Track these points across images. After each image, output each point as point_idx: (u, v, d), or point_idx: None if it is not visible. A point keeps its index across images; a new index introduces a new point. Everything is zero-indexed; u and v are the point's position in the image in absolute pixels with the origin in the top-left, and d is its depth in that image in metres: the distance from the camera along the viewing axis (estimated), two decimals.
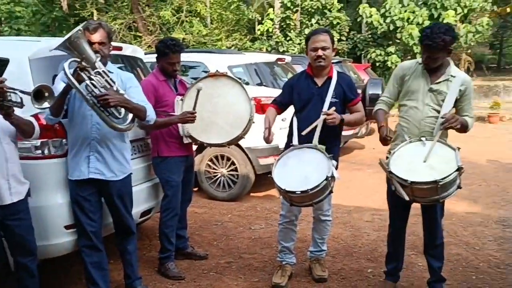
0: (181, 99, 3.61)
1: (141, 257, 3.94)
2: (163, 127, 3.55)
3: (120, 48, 3.89)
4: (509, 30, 30.77)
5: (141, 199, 3.61)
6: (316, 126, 3.21)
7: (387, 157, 3.10)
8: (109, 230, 3.31)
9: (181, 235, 3.98)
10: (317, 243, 3.70)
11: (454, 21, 14.69)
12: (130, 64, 4.12)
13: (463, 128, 3.04)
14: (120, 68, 3.80)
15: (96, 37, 2.92)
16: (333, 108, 3.24)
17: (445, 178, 2.71)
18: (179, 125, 3.59)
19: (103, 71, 2.80)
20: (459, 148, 2.88)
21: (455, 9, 14.91)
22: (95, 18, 16.34)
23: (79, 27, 2.79)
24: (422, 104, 3.07)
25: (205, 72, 5.18)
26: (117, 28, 15.94)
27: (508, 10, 20.89)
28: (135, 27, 16.88)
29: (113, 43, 3.24)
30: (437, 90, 3.04)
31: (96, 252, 3.09)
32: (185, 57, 6.25)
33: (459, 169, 2.75)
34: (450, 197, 2.87)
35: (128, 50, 4.07)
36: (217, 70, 3.75)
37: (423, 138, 2.98)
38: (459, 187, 2.84)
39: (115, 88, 2.81)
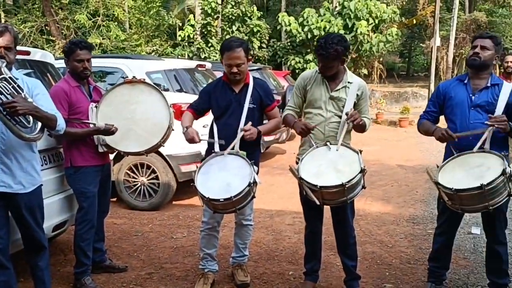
0: (96, 106, 3.47)
1: (55, 273, 3.73)
2: (80, 138, 3.40)
3: (27, 53, 3.67)
4: (416, 40, 33.04)
5: (54, 211, 3.43)
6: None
7: (297, 162, 3.23)
8: (17, 246, 3.09)
9: (98, 248, 3.81)
10: (239, 248, 3.71)
11: (366, 31, 15.56)
12: (40, 70, 3.90)
13: (362, 128, 3.23)
14: (28, 74, 3.59)
15: (2, 41, 2.73)
16: (250, 123, 3.29)
17: (351, 180, 2.88)
18: None
19: (9, 77, 2.62)
20: (361, 151, 3.07)
21: (367, 20, 15.78)
22: (2, 20, 15.31)
23: None
24: (326, 111, 3.23)
25: (123, 78, 5.03)
26: (27, 32, 15.04)
27: (415, 21, 22.48)
28: (47, 30, 16.02)
29: (21, 48, 3.05)
30: (337, 97, 3.21)
31: (3, 270, 2.86)
32: (102, 62, 6.12)
33: (362, 171, 2.94)
34: (356, 197, 3.06)
35: (37, 55, 3.85)
36: (133, 76, 3.65)
37: (328, 143, 3.14)
38: (363, 187, 3.02)
39: (23, 95, 2.65)
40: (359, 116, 3.13)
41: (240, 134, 3.24)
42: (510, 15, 25.49)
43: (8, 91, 2.59)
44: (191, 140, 3.29)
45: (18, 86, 2.65)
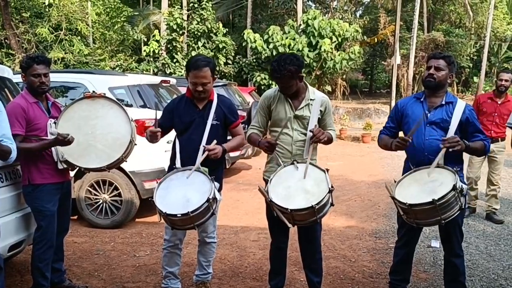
0: (54, 122, 3.39)
1: None
2: (35, 152, 3.30)
3: None
4: (378, 57, 34.00)
5: (10, 231, 3.32)
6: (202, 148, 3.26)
7: (264, 179, 3.24)
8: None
9: (57, 268, 3.69)
10: (202, 266, 3.67)
11: (330, 49, 15.90)
12: None
13: (329, 141, 3.29)
14: None
15: None
16: (214, 141, 3.29)
17: (320, 202, 2.93)
18: (53, 149, 3.36)
19: None
20: (327, 170, 3.12)
21: (330, 38, 16.14)
22: None
23: None
24: (291, 129, 3.27)
25: (85, 94, 4.93)
26: None
27: (376, 40, 23.18)
28: (7, 44, 15.60)
29: None
30: (302, 116, 3.27)
31: None
32: (64, 77, 6.01)
33: (330, 191, 2.99)
34: (326, 216, 3.09)
35: None
36: (93, 91, 3.59)
37: (295, 162, 3.18)
38: (332, 204, 3.07)
39: None
40: (322, 133, 3.18)
41: (204, 154, 3.22)
42: (466, 35, 26.65)
43: None
44: (152, 136, 3.25)
45: None
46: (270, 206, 3.08)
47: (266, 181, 3.22)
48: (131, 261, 4.47)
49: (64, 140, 3.19)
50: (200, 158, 3.21)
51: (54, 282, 3.64)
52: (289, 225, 3.01)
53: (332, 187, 3.00)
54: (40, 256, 3.40)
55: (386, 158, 10.36)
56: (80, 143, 3.37)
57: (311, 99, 3.28)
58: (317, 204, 2.90)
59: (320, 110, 3.29)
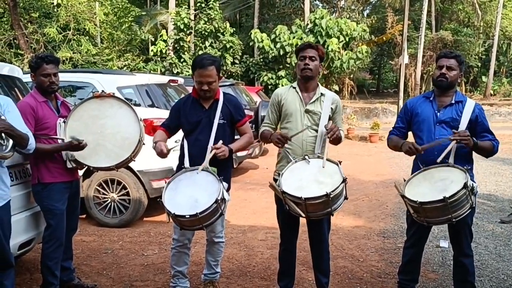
0: (64, 121, 3.41)
1: None
2: (48, 154, 3.33)
3: None
4: (385, 57, 33.89)
5: (20, 229, 3.33)
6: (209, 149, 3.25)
7: (274, 179, 3.23)
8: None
9: (66, 266, 3.71)
10: (210, 266, 3.68)
11: (337, 48, 15.88)
12: (7, 84, 3.82)
13: (339, 141, 3.29)
14: None
15: None
16: (220, 141, 3.28)
17: (335, 190, 2.90)
18: None
19: None
20: (340, 162, 3.11)
21: (338, 37, 16.13)
22: None
23: None
24: (302, 125, 3.26)
25: (94, 93, 4.96)
26: None
27: (384, 39, 23.09)
28: (16, 44, 15.73)
29: None
30: (313, 111, 3.27)
31: None
32: (72, 77, 6.05)
33: (344, 181, 2.96)
34: (339, 209, 3.06)
35: (5, 69, 3.78)
36: (102, 91, 3.61)
37: (306, 157, 3.16)
38: (345, 198, 3.05)
39: None
40: (337, 129, 3.18)
41: (211, 153, 3.21)
42: (474, 34, 26.48)
43: None
44: (160, 154, 3.26)
45: None
46: (282, 199, 3.02)
47: (276, 181, 3.20)
48: (140, 260, 4.48)
49: (78, 145, 3.27)
50: (208, 156, 3.20)
51: (63, 281, 3.66)
52: (303, 215, 2.96)
53: (346, 177, 2.98)
54: (50, 254, 3.42)
55: (394, 158, 10.32)
56: (89, 143, 3.38)
57: (321, 94, 3.30)
58: (332, 191, 2.86)
59: (331, 108, 3.29)
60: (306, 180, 3.05)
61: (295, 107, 3.28)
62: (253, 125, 8.19)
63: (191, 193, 3.07)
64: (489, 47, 25.53)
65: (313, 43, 3.43)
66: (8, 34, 15.39)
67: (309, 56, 3.23)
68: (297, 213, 2.97)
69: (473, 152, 3.24)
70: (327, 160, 3.14)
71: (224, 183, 3.10)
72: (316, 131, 3.25)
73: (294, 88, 3.34)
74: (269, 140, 3.30)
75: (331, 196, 2.87)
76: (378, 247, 4.86)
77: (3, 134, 2.69)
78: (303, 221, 3.25)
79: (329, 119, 3.28)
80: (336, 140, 3.24)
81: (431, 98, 3.32)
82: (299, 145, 3.26)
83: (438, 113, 3.23)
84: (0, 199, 2.85)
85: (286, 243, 3.47)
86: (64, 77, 5.46)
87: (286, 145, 3.23)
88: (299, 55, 3.29)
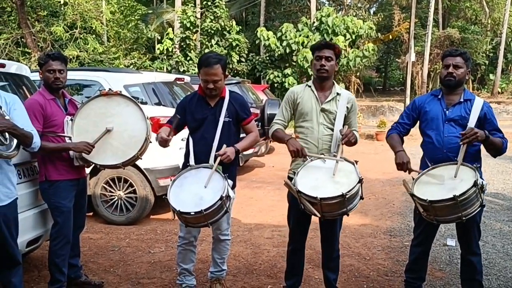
0: (71, 119, 3.43)
1: None
2: (54, 153, 3.35)
3: (3, 66, 3.63)
4: (392, 55, 33.73)
5: (28, 227, 3.35)
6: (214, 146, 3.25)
7: (289, 177, 3.23)
8: None
9: (74, 263, 3.73)
10: (217, 263, 3.68)
11: (343, 46, 15.82)
12: (15, 82, 3.84)
13: (355, 143, 3.26)
14: (3, 87, 3.53)
15: None
16: (224, 146, 3.26)
17: (350, 190, 2.88)
18: None
19: None
20: (356, 162, 3.09)
21: (344, 35, 16.08)
22: None
23: None
24: (317, 124, 3.25)
25: (101, 91, 4.98)
26: (3, 44, 14.83)
27: (391, 37, 22.99)
28: (23, 42, 15.80)
29: None
30: (328, 110, 3.26)
31: None
32: (79, 75, 6.06)
33: (360, 181, 2.94)
34: (354, 209, 3.04)
35: (13, 67, 3.80)
36: (109, 89, 3.62)
37: (322, 156, 3.15)
38: (361, 197, 3.03)
39: (1, 112, 2.66)
40: (352, 134, 3.17)
41: (217, 160, 3.18)
42: (482, 32, 26.28)
43: None
44: (162, 142, 3.23)
45: None
46: (298, 198, 3.00)
47: (291, 179, 3.17)
48: (146, 257, 4.50)
49: (87, 149, 3.30)
50: (215, 165, 3.16)
51: (70, 278, 3.68)
52: (318, 215, 2.94)
53: (362, 178, 2.96)
54: (57, 251, 3.44)
55: None
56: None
57: (337, 93, 3.28)
58: (348, 192, 2.85)
59: (347, 107, 3.28)
60: (322, 180, 3.03)
61: (311, 106, 3.27)
62: (259, 123, 8.18)
63: (196, 190, 3.08)
64: (497, 45, 25.31)
65: (330, 42, 3.40)
66: (16, 32, 15.46)
67: (325, 57, 3.20)
68: (313, 212, 2.96)
69: (481, 151, 3.22)
70: (344, 159, 3.13)
71: (229, 181, 3.10)
72: (332, 129, 3.24)
73: (310, 86, 3.32)
74: (285, 143, 3.24)
75: (347, 196, 2.85)
76: (385, 245, 4.85)
77: (6, 134, 2.71)
78: (314, 219, 3.23)
79: (345, 118, 3.27)
80: (350, 144, 3.22)
81: (439, 96, 3.30)
82: (314, 143, 3.25)
83: (447, 111, 3.21)
84: (6, 197, 2.86)
85: (296, 242, 3.46)
86: (71, 75, 5.45)
87: (301, 144, 3.20)
88: (315, 54, 3.26)
